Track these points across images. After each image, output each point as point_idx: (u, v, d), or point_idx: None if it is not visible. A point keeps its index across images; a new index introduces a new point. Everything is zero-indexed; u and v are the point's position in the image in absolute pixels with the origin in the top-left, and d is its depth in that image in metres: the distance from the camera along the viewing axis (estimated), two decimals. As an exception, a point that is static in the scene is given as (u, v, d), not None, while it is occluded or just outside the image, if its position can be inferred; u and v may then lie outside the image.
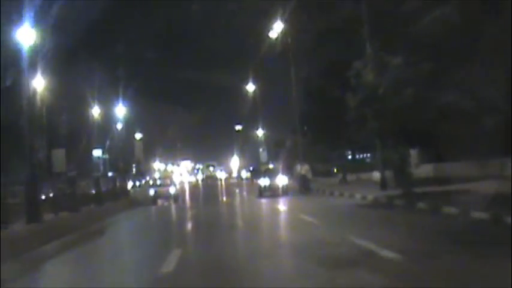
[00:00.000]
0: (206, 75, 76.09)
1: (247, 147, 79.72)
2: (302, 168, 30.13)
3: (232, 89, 72.13)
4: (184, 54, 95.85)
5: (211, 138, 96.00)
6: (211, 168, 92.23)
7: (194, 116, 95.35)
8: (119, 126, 75.36)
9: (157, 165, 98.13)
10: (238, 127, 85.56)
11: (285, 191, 28.38)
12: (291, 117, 47.97)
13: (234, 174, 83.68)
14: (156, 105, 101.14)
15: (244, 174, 78.46)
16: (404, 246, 8.60)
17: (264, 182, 29.32)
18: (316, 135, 36.16)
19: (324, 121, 32.85)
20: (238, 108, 79.43)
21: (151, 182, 41.06)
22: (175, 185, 33.20)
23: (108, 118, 67.88)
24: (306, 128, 37.92)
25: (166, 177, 38.47)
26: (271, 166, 34.79)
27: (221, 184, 60.81)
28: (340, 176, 37.55)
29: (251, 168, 69.78)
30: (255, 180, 53.74)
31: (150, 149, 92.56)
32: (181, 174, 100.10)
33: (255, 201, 27.34)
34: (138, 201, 31.38)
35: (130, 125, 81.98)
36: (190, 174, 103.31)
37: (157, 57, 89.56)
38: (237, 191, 41.83)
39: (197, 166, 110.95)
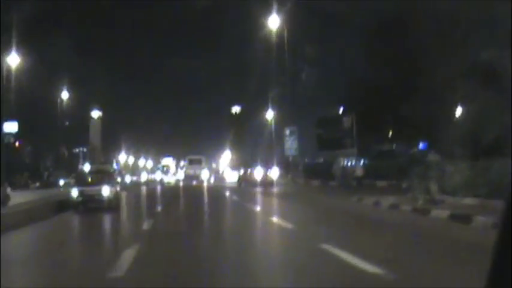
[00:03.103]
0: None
1: (250, 135, 56.18)
2: None
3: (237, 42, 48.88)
4: None
5: (198, 127, 71.53)
6: (191, 169, 63.52)
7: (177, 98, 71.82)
8: (64, 95, 51.83)
9: (123, 157, 74.04)
10: (235, 109, 62.20)
11: None
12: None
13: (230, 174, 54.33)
14: (125, 79, 76.77)
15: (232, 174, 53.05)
16: None
17: None
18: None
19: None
20: (239, 79, 56.51)
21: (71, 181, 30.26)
22: (112, 185, 19.46)
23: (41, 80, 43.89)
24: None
25: (98, 171, 22.67)
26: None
27: (211, 193, 31.96)
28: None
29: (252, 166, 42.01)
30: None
31: (115, 135, 68.29)
32: (149, 170, 76.14)
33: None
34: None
35: (85, 97, 58.09)
36: (165, 173, 79.10)
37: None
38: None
39: (181, 164, 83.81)
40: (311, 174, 34.88)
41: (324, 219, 12.51)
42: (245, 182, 36.64)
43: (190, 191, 34.55)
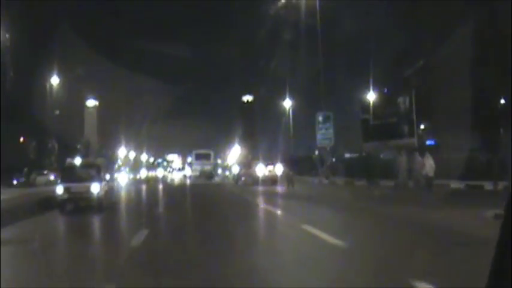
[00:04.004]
0: None
1: (263, 127, 49.99)
2: None
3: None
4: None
5: (207, 120, 65.42)
6: (199, 165, 56.02)
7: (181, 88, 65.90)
8: (55, 80, 45.91)
9: (123, 152, 67.87)
10: (247, 97, 56.09)
11: None
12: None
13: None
14: (126, 69, 70.60)
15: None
16: None
17: None
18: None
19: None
20: (254, 64, 50.78)
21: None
22: (100, 182, 17.04)
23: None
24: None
25: (88, 165, 19.30)
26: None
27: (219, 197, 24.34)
28: None
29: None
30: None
31: (112, 128, 61.89)
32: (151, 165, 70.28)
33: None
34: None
35: (78, 84, 51.82)
36: (167, 169, 73.14)
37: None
38: None
39: (189, 159, 75.84)
40: (347, 171, 28.71)
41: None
42: (248, 178, 33.17)
43: (190, 194, 28.16)
